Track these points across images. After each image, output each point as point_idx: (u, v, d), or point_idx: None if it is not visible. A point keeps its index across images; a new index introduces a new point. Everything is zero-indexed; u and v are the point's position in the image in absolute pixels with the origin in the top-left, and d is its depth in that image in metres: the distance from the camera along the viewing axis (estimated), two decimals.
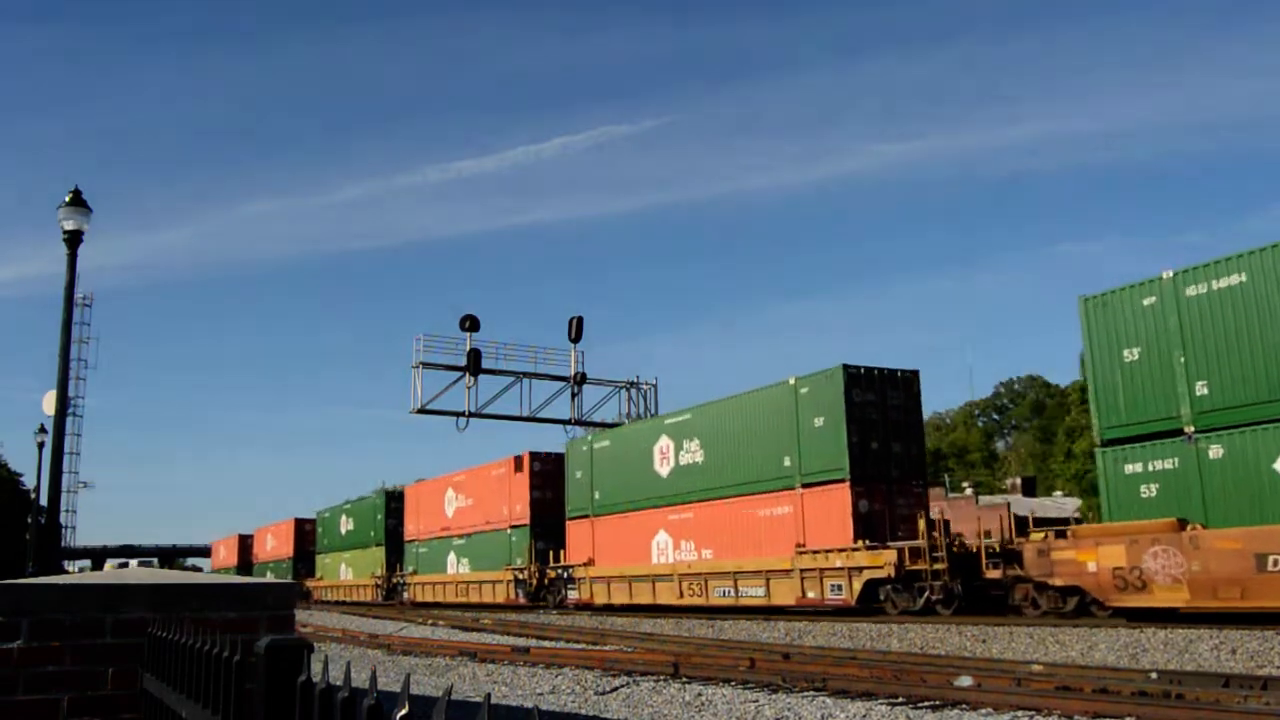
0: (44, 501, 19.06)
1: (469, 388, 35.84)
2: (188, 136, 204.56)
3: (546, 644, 18.91)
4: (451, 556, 39.80)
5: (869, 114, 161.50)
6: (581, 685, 12.74)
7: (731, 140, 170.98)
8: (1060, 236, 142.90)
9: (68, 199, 13.81)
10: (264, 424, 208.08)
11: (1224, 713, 8.36)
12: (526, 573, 33.74)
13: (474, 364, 35.69)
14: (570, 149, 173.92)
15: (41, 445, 29.90)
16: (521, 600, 34.08)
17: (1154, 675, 10.60)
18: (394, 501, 47.68)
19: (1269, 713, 8.38)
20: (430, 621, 28.73)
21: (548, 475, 34.74)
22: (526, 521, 34.51)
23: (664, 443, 28.59)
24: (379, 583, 46.01)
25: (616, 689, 12.18)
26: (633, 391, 39.10)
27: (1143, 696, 9.52)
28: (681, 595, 26.72)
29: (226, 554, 77.02)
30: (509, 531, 35.42)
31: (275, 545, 64.09)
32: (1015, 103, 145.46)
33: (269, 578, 55.02)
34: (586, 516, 31.41)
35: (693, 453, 27.42)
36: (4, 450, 60.26)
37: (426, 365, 35.43)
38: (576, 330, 37.49)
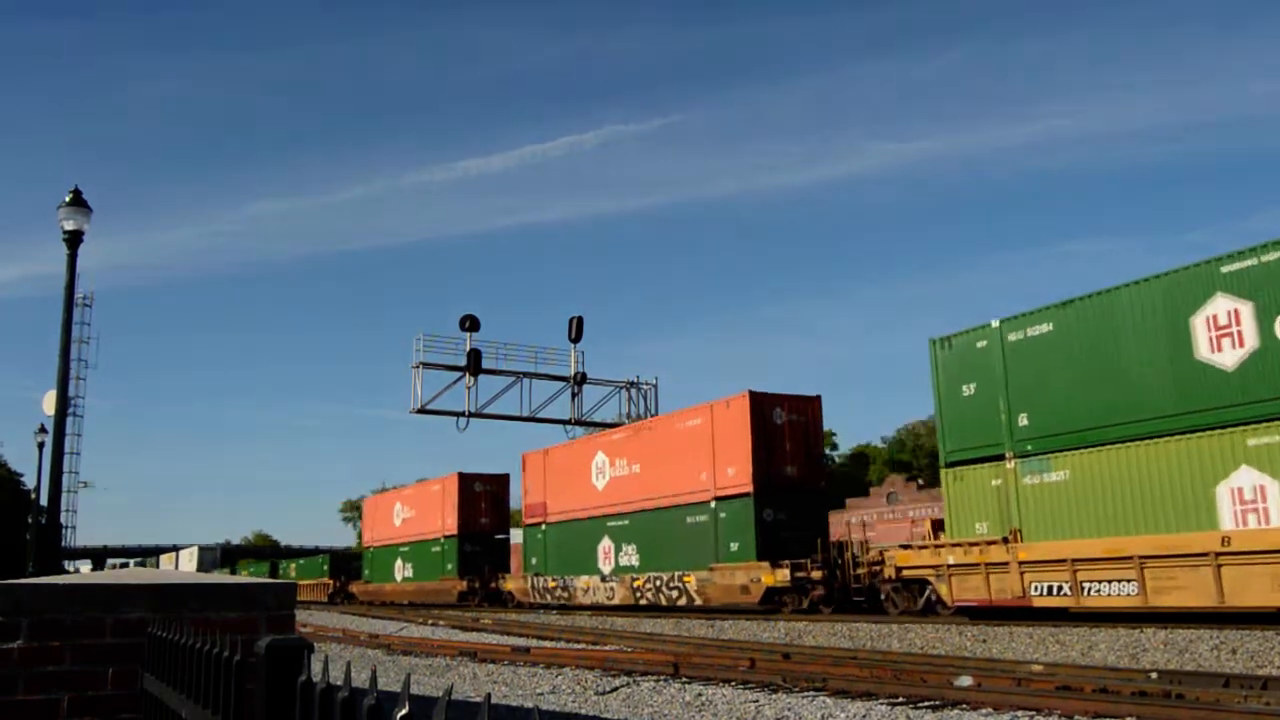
0: (44, 501, 19.07)
1: (469, 388, 35.87)
2: (189, 136, 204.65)
3: (546, 644, 18.91)
4: None
5: (875, 114, 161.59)
6: (581, 685, 12.74)
7: (737, 140, 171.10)
8: (1063, 236, 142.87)
9: (68, 199, 13.81)
10: (263, 423, 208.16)
11: (1224, 713, 8.36)
12: None
13: (474, 364, 35.70)
14: (577, 148, 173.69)
15: (41, 445, 29.91)
16: None
17: (1154, 675, 10.60)
18: None
19: (1269, 713, 8.38)
20: (430, 621, 28.73)
21: None
22: None
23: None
24: None
25: (616, 689, 12.18)
26: (633, 391, 39.12)
27: (1143, 696, 9.51)
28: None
29: (422, 514, 42.09)
30: None
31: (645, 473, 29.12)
32: (1020, 102, 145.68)
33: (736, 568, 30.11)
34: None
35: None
36: (4, 450, 60.34)
37: (426, 365, 35.45)
38: (576, 330, 37.49)
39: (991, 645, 15.97)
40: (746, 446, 24.48)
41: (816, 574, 22.32)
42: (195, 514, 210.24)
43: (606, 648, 17.71)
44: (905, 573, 20.28)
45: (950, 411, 20.08)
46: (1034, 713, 9.15)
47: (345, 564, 54.80)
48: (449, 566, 39.10)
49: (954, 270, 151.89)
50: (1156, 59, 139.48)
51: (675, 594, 26.37)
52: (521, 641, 19.66)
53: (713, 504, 25.45)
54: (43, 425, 29.80)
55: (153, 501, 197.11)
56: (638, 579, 27.87)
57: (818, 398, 26.01)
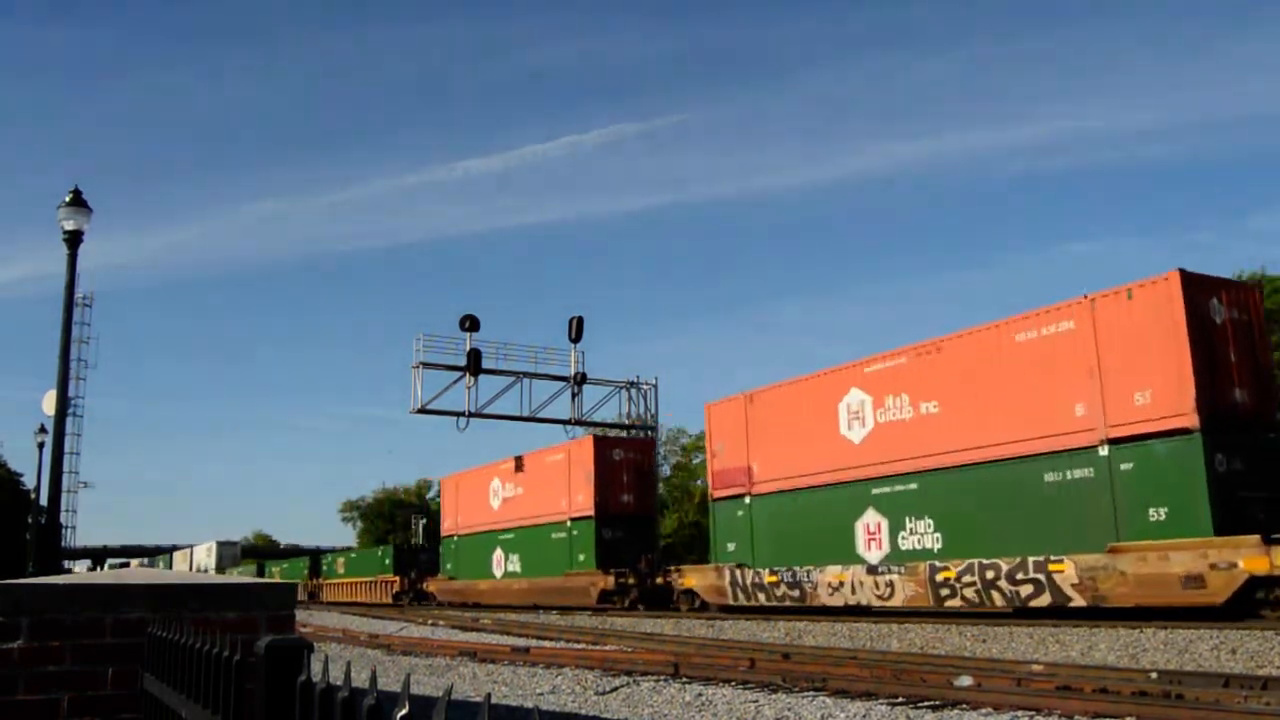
0: (44, 501, 19.10)
1: (469, 388, 35.86)
2: (190, 135, 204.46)
3: (546, 644, 18.92)
4: None
5: (878, 113, 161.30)
6: (581, 685, 12.74)
7: (737, 140, 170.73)
8: (1070, 235, 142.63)
9: (68, 199, 13.84)
10: (263, 423, 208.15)
11: (1224, 713, 8.36)
12: None
13: (474, 364, 35.70)
14: (578, 148, 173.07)
15: (41, 445, 29.92)
16: None
17: (1154, 675, 10.60)
18: None
19: (1269, 713, 8.38)
20: (430, 621, 28.75)
21: None
22: None
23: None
24: None
25: (616, 689, 12.18)
26: (632, 391, 39.11)
27: (1143, 696, 9.51)
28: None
29: (535, 492, 34.61)
30: None
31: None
32: (1025, 102, 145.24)
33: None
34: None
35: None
36: (4, 450, 60.34)
37: (426, 365, 35.45)
38: (576, 330, 37.50)
39: (991, 645, 15.96)
40: (1179, 356, 15.85)
41: None
42: (194, 514, 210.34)
43: (606, 648, 17.72)
44: None
45: None
46: (1034, 713, 9.16)
47: (413, 557, 45.78)
48: (581, 558, 30.73)
49: (954, 270, 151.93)
50: (1157, 58, 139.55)
51: (1028, 590, 17.82)
52: (521, 641, 19.67)
53: (1103, 451, 16.94)
54: (43, 425, 29.82)
55: (152, 501, 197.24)
56: (944, 569, 19.30)
57: (1260, 285, 17.21)
